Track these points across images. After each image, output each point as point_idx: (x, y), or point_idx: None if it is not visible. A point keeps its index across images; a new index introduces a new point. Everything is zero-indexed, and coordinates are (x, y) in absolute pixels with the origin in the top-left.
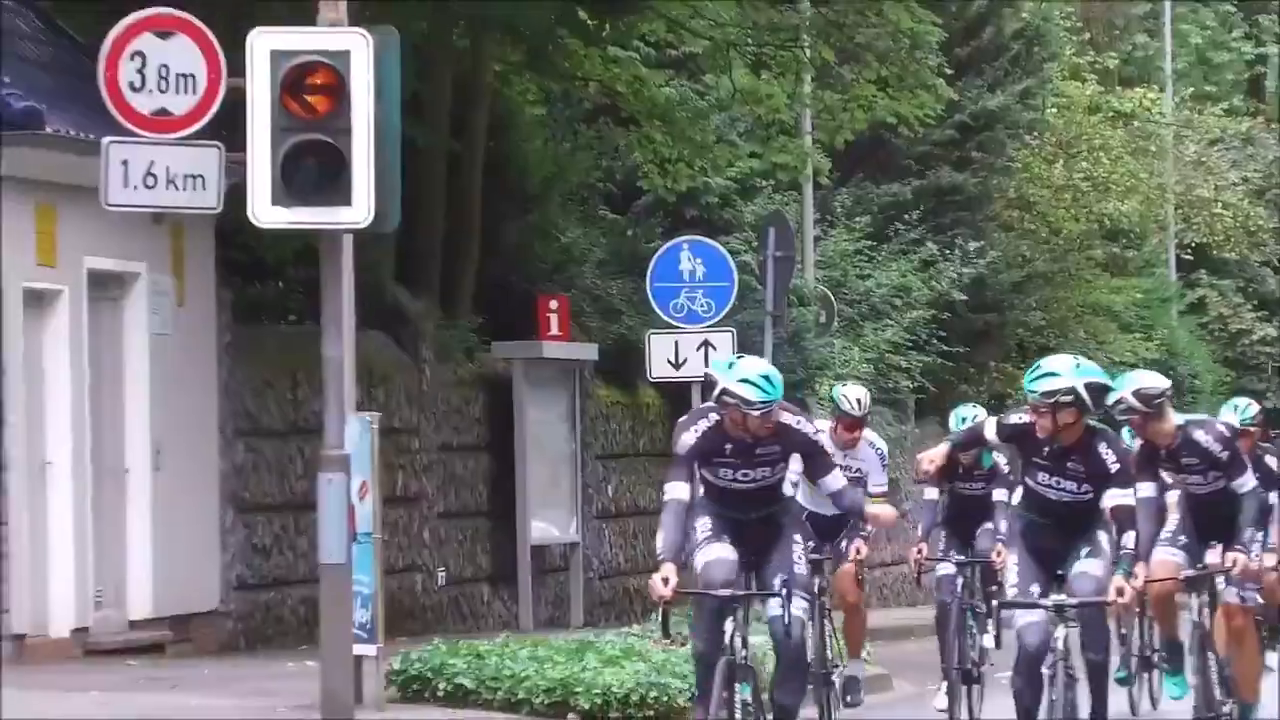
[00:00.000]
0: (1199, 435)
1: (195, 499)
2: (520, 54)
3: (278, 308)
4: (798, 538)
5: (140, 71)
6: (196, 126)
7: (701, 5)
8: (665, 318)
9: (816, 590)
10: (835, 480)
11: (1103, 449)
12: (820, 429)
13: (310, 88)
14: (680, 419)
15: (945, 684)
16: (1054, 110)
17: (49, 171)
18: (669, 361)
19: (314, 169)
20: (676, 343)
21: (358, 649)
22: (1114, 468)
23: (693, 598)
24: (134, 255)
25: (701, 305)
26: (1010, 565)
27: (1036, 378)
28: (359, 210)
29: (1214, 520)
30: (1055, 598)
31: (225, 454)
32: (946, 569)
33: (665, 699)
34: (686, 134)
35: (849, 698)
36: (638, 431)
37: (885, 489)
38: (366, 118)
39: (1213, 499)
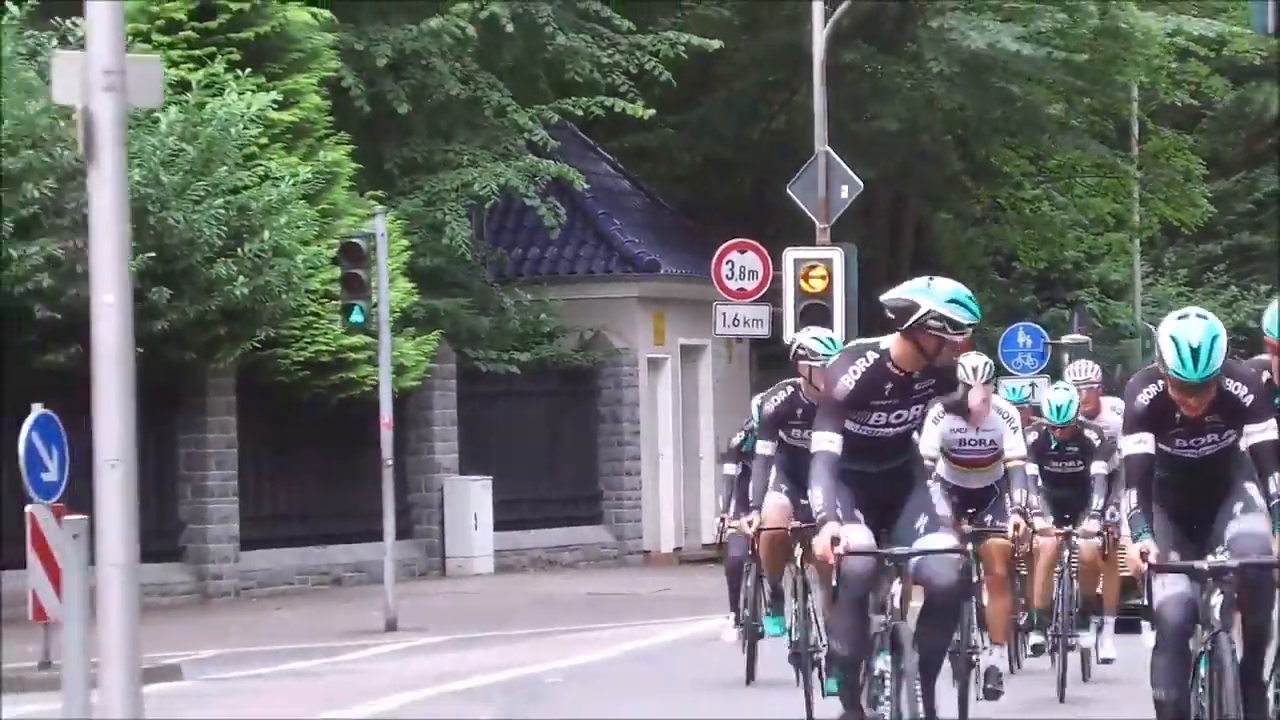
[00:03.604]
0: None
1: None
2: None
3: (784, 358)
4: (932, 483)
5: (730, 268)
6: (758, 296)
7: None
8: (1009, 370)
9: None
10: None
11: (1230, 385)
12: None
13: (813, 276)
14: (831, 363)
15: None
16: None
17: (660, 292)
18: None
19: (815, 315)
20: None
21: None
22: (1248, 400)
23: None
24: (704, 336)
25: (1030, 361)
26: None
27: (1196, 361)
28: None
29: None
30: (1212, 560)
31: None
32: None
33: None
34: (1043, 232)
35: (989, 685)
36: None
37: (1023, 452)
38: (842, 291)
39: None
